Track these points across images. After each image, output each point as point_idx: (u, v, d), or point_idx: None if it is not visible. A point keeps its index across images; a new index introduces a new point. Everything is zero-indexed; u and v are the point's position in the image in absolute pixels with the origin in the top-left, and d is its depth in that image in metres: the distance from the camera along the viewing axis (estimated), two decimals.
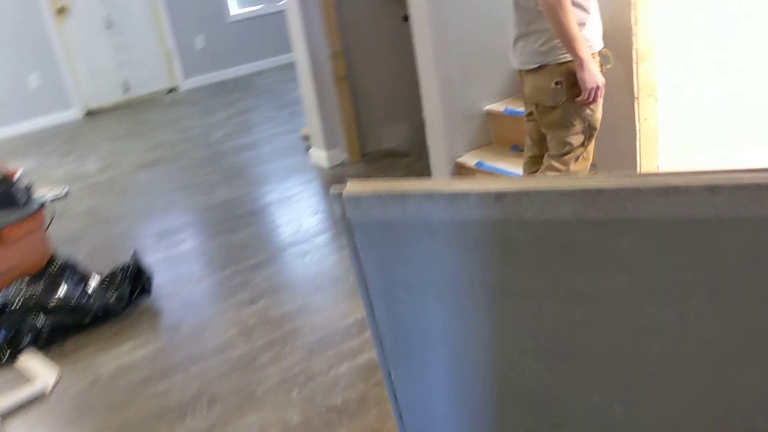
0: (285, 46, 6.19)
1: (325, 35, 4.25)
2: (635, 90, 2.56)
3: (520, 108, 3.13)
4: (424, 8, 3.18)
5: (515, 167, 3.11)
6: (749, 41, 2.78)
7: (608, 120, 2.42)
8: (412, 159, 4.35)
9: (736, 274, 0.80)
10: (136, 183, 4.77)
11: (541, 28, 2.19)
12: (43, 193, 4.48)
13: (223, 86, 7.57)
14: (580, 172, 2.34)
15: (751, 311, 0.82)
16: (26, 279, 2.86)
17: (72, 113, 7.03)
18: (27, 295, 2.74)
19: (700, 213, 0.78)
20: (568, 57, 2.17)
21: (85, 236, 3.89)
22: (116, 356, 2.65)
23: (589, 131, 2.29)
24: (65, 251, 3.34)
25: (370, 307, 1.07)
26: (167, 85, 7.64)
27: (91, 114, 7.09)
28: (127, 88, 7.39)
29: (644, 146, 2.65)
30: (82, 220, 4.16)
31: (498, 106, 3.46)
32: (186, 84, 7.70)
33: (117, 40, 7.26)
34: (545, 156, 2.38)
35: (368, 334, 2.45)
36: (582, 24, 2.14)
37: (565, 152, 2.30)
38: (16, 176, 3.12)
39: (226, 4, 7.83)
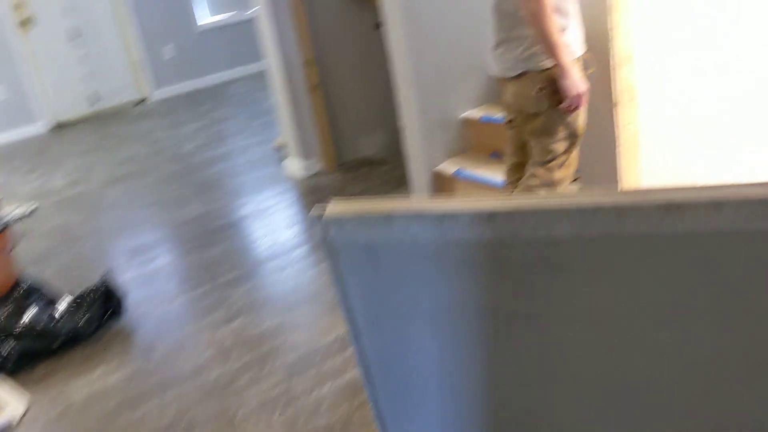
0: (255, 55, 6.11)
1: (297, 43, 4.18)
2: (615, 95, 2.54)
3: (497, 115, 3.09)
4: (398, 15, 3.13)
5: (495, 174, 3.07)
6: (731, 44, 2.78)
7: (590, 125, 2.39)
8: (390, 167, 4.28)
9: (740, 291, 0.78)
10: (105, 199, 4.64)
11: (521, 34, 2.15)
12: (9, 211, 4.33)
13: (193, 96, 7.44)
14: (564, 178, 2.30)
15: (754, 328, 0.79)
16: None
17: (38, 127, 6.86)
18: None
19: (703, 229, 0.75)
20: (550, 63, 2.13)
21: (53, 255, 3.76)
22: (88, 382, 2.54)
23: (572, 138, 2.26)
24: (32, 272, 3.21)
25: (356, 337, 1.01)
26: (136, 97, 7.49)
27: (59, 127, 6.92)
28: (94, 101, 7.23)
29: (626, 151, 2.62)
30: (51, 238, 4.02)
31: (474, 113, 3.42)
32: (155, 95, 7.56)
33: (83, 50, 7.10)
34: (529, 163, 2.34)
35: (350, 351, 2.37)
36: (563, 29, 2.10)
37: (549, 159, 2.26)
38: None
39: (194, 12, 7.71)
